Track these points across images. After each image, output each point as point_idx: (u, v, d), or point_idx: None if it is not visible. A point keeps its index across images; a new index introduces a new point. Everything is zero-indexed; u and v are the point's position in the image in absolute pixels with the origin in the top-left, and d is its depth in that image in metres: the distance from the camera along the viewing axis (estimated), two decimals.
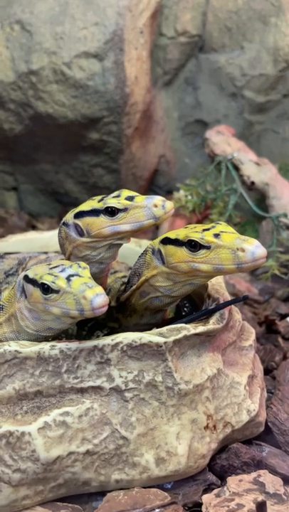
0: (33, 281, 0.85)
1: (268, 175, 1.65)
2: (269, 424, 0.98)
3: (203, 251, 0.87)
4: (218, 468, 0.91)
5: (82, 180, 1.99)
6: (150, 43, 1.87)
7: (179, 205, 1.66)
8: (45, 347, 0.84)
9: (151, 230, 2.02)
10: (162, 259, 0.94)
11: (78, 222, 0.95)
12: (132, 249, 1.39)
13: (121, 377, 0.84)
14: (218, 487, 0.88)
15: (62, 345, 0.84)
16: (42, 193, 2.09)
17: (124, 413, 0.84)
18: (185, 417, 0.86)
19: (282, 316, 1.49)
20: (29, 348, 0.84)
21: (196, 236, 0.88)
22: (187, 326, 0.89)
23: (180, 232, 0.91)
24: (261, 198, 1.72)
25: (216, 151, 1.73)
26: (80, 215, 0.95)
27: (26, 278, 0.88)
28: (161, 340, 0.85)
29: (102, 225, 0.92)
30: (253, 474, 0.87)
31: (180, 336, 0.87)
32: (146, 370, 0.85)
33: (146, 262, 0.98)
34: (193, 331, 0.88)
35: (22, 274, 0.90)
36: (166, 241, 0.93)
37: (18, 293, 0.90)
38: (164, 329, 0.88)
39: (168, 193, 2.07)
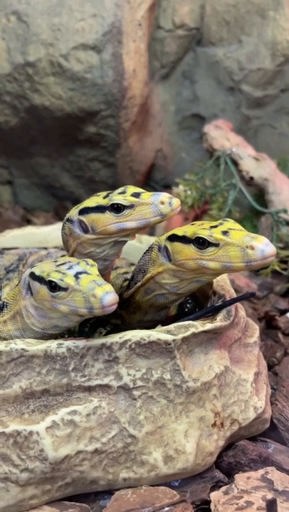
0: (39, 279, 0.84)
1: (266, 170, 1.64)
2: (274, 420, 0.98)
3: (211, 248, 0.86)
4: (225, 465, 0.91)
5: (79, 175, 1.97)
6: (148, 36, 1.85)
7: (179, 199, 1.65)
8: (52, 345, 0.83)
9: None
10: (169, 256, 0.93)
11: (83, 218, 0.94)
12: (132, 244, 1.37)
13: (129, 375, 0.83)
14: (226, 484, 0.88)
15: (69, 343, 0.83)
16: (37, 187, 2.06)
17: (132, 411, 0.83)
18: (193, 415, 0.86)
19: (282, 312, 1.49)
20: (36, 347, 0.82)
21: (204, 233, 0.87)
22: (195, 323, 0.88)
23: (187, 229, 0.90)
24: (260, 193, 1.71)
25: (215, 146, 1.72)
26: (84, 211, 0.94)
27: (32, 275, 0.86)
28: (169, 337, 0.84)
29: (108, 221, 0.91)
30: (261, 471, 0.87)
31: (188, 333, 0.87)
32: (154, 368, 0.84)
33: (151, 258, 0.97)
34: (201, 328, 0.87)
35: (28, 271, 0.88)
36: (174, 238, 0.92)
37: (24, 290, 0.88)
38: (171, 326, 0.88)
39: (165, 188, 2.06)
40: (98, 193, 0.97)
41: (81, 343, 0.83)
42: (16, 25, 1.70)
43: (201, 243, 0.87)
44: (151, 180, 2.13)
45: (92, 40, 1.67)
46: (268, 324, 1.43)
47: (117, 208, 0.90)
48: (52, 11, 1.68)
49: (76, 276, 0.81)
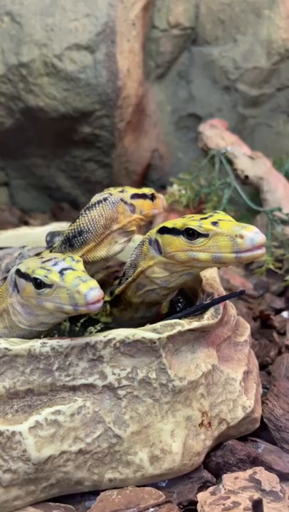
0: (25, 276, 0.83)
1: (262, 169, 1.63)
2: (265, 420, 0.97)
3: (201, 239, 0.86)
4: (213, 465, 0.90)
5: (74, 175, 1.97)
6: (142, 36, 1.85)
7: (173, 199, 1.64)
8: (35, 344, 0.82)
9: (145, 224, 2.00)
10: (159, 249, 0.92)
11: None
12: None
13: (114, 374, 0.82)
14: (214, 485, 0.87)
15: (53, 342, 0.82)
16: (34, 188, 2.06)
17: (117, 411, 0.82)
18: (179, 414, 0.85)
19: (277, 311, 1.47)
20: (19, 346, 0.81)
21: (193, 224, 0.86)
22: (181, 321, 0.87)
23: (177, 222, 0.90)
24: (255, 192, 1.70)
25: (210, 145, 1.71)
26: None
27: (18, 272, 0.85)
28: (154, 336, 0.83)
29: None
30: (249, 471, 0.85)
31: (174, 331, 0.86)
32: (139, 367, 0.83)
33: (142, 252, 0.96)
34: (187, 327, 0.86)
35: (14, 269, 0.88)
36: (164, 230, 0.91)
37: (10, 287, 0.88)
38: (157, 325, 0.87)
39: (161, 188, 2.05)
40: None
41: (65, 342, 0.82)
42: (9, 25, 1.70)
43: (191, 234, 0.86)
44: (148, 180, 2.12)
45: (86, 40, 1.67)
46: (263, 323, 1.41)
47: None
48: (45, 11, 1.68)
49: (61, 272, 0.80)
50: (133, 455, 0.82)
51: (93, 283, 0.78)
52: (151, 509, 0.79)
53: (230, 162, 1.67)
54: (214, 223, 0.86)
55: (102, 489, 0.84)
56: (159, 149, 2.08)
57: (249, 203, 1.59)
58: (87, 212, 1.00)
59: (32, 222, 2.01)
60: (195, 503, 0.83)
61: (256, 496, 0.79)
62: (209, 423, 0.87)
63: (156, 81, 2.02)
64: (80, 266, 0.82)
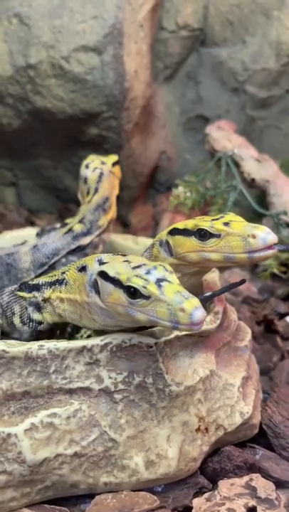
0: (114, 281, 0.78)
1: (268, 172, 1.62)
2: (263, 426, 0.97)
3: (213, 239, 0.86)
4: (210, 471, 0.90)
5: None
6: (150, 37, 1.85)
7: (177, 201, 1.64)
8: (33, 347, 0.82)
9: (151, 227, 2.00)
10: (170, 250, 0.92)
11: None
12: (128, 246, 1.38)
13: (110, 378, 0.82)
14: (210, 491, 0.86)
15: (50, 345, 0.82)
16: (41, 189, 2.07)
17: (113, 415, 0.82)
18: (176, 420, 0.85)
19: (281, 316, 1.46)
20: (17, 348, 0.82)
21: (205, 225, 0.87)
22: None
23: (188, 223, 0.90)
24: (262, 195, 1.69)
25: (217, 147, 1.70)
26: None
27: (104, 275, 0.80)
28: (151, 341, 0.83)
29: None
30: (245, 478, 0.85)
31: (171, 336, 0.85)
32: (136, 372, 0.83)
33: (152, 255, 0.96)
34: (185, 332, 0.86)
35: (96, 269, 0.82)
36: (175, 232, 0.91)
37: (88, 287, 0.83)
38: (155, 329, 0.87)
39: (169, 190, 2.04)
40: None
41: (62, 345, 0.82)
42: (17, 27, 1.71)
43: (203, 235, 0.87)
44: (156, 182, 2.12)
45: (93, 42, 1.67)
46: (267, 328, 1.40)
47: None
48: (53, 13, 1.68)
49: (158, 283, 0.75)
50: (128, 459, 0.82)
51: (196, 301, 0.73)
52: None
53: (236, 164, 1.66)
54: (226, 224, 0.86)
55: (98, 492, 0.84)
56: (166, 151, 2.07)
57: (255, 206, 1.58)
58: (100, 183, 1.26)
59: (39, 223, 2.02)
60: (190, 508, 0.83)
61: (251, 503, 0.79)
62: (206, 428, 0.87)
63: (164, 82, 2.02)
64: (175, 278, 0.77)
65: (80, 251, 1.20)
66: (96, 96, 1.72)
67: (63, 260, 1.18)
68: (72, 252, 1.19)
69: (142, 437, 0.83)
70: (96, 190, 1.25)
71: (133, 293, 0.75)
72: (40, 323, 0.94)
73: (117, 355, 0.83)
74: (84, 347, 0.82)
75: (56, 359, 0.82)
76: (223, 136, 1.73)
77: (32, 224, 2.01)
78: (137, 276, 0.76)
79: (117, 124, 1.79)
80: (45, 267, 1.17)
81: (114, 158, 1.36)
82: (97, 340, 0.82)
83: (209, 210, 1.62)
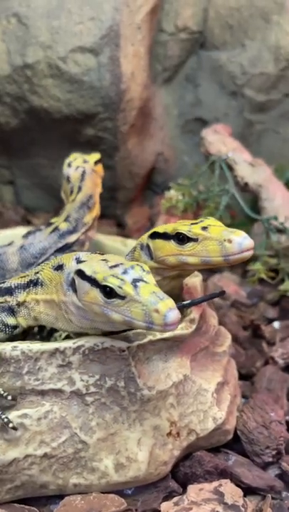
0: (91, 280, 0.77)
1: (261, 176, 1.62)
2: (238, 432, 0.97)
3: (190, 243, 0.88)
4: (181, 475, 0.90)
5: None
6: (149, 39, 1.85)
7: (170, 204, 1.64)
8: (6, 348, 0.83)
9: (146, 228, 2.00)
10: (150, 254, 0.93)
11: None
12: (117, 248, 1.39)
13: (82, 380, 0.83)
14: (180, 495, 0.87)
15: (23, 346, 0.83)
16: (38, 188, 2.08)
17: (84, 417, 0.83)
18: (147, 423, 0.85)
19: (270, 321, 1.46)
20: None
21: (183, 229, 0.88)
22: None
23: (168, 227, 0.92)
24: (255, 199, 1.69)
25: (211, 151, 1.70)
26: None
27: (81, 274, 0.79)
28: (124, 344, 0.84)
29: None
30: (215, 483, 0.85)
31: (145, 340, 0.86)
32: (108, 375, 0.84)
33: (134, 258, 0.97)
34: (159, 336, 0.87)
35: (73, 267, 0.82)
36: (155, 235, 0.93)
37: (66, 285, 0.82)
38: (130, 333, 0.87)
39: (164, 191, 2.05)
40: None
41: (35, 346, 0.83)
42: (16, 27, 1.72)
43: (181, 239, 0.88)
44: (152, 183, 2.12)
45: (90, 43, 1.68)
46: (254, 333, 1.40)
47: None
48: (51, 13, 1.69)
49: (134, 284, 0.75)
50: (98, 461, 0.83)
51: (171, 302, 0.73)
52: None
53: (230, 168, 1.66)
54: (204, 228, 0.88)
55: (67, 494, 0.85)
56: (164, 153, 2.07)
57: (247, 210, 1.58)
58: (83, 182, 1.28)
59: (35, 222, 2.03)
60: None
61: (218, 508, 0.79)
62: (178, 433, 0.88)
63: (163, 84, 2.02)
64: (151, 278, 0.77)
65: (67, 249, 1.21)
66: (92, 97, 1.73)
67: (51, 258, 1.19)
68: (60, 250, 1.20)
69: (113, 440, 0.83)
70: (79, 188, 1.27)
71: (109, 292, 0.75)
72: (15, 327, 0.91)
73: (90, 358, 0.83)
74: (57, 349, 0.83)
75: (29, 360, 0.83)
76: (219, 140, 1.73)
77: (28, 222, 2.02)
78: (113, 275, 0.76)
79: (113, 126, 1.79)
80: (33, 267, 1.18)
81: (96, 156, 1.39)
82: (69, 343, 0.83)
83: (201, 214, 1.62)
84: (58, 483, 0.83)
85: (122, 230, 2.00)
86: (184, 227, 0.89)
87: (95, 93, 1.72)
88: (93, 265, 0.79)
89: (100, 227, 1.94)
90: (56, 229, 1.21)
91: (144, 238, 0.96)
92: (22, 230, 1.51)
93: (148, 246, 0.94)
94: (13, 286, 0.92)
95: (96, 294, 0.77)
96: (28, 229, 1.51)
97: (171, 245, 0.89)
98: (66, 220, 1.23)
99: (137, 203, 2.11)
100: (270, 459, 0.93)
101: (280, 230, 1.48)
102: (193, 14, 1.90)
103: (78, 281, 0.80)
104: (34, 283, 0.90)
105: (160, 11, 1.88)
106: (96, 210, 1.28)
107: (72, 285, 0.81)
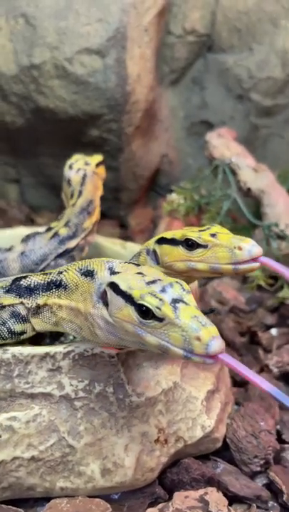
0: (125, 296, 0.71)
1: (264, 182, 1.62)
2: (227, 440, 0.97)
3: (200, 250, 0.88)
4: (168, 482, 0.91)
5: None
6: (156, 41, 1.85)
7: (171, 208, 1.65)
8: None
9: (149, 230, 2.01)
10: (157, 259, 0.94)
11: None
12: (116, 251, 1.39)
13: (71, 385, 0.84)
14: (166, 501, 0.87)
15: (14, 349, 0.84)
16: (43, 187, 2.09)
17: (72, 421, 0.84)
18: (135, 430, 0.86)
19: (268, 327, 1.46)
20: None
21: (193, 235, 0.89)
22: None
23: (176, 232, 0.92)
24: (258, 204, 1.68)
25: (215, 155, 1.70)
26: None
27: (115, 288, 0.73)
28: (113, 351, 0.84)
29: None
30: (200, 491, 0.86)
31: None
32: (97, 380, 0.84)
33: (139, 263, 0.98)
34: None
35: (105, 278, 0.76)
36: (162, 241, 0.93)
37: (95, 297, 0.76)
38: None
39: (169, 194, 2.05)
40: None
41: (26, 350, 0.84)
42: (23, 27, 1.73)
43: (190, 245, 0.89)
44: (156, 185, 2.12)
45: (97, 45, 1.68)
46: (251, 339, 1.40)
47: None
48: (59, 14, 1.70)
49: (173, 305, 0.69)
50: (85, 466, 0.84)
51: (215, 330, 0.67)
52: None
53: (233, 173, 1.66)
54: (212, 235, 0.89)
55: (54, 496, 0.86)
56: (169, 155, 2.08)
57: (248, 215, 1.57)
58: (83, 186, 1.28)
59: (39, 221, 2.04)
60: None
61: None
62: (166, 440, 0.88)
63: (169, 86, 2.02)
64: (192, 299, 0.71)
65: (67, 254, 1.22)
66: (98, 98, 1.74)
67: (52, 264, 1.20)
68: (60, 255, 1.21)
69: (100, 445, 0.84)
70: (80, 193, 1.27)
71: (145, 312, 0.69)
72: (22, 333, 0.86)
73: (79, 364, 0.84)
74: (47, 353, 0.84)
75: (20, 364, 0.84)
76: (223, 144, 1.73)
77: (32, 221, 2.04)
78: (151, 294, 0.70)
79: (117, 127, 1.80)
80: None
81: (98, 158, 1.39)
82: (60, 348, 0.84)
83: (203, 218, 1.62)
84: (45, 485, 0.84)
85: (125, 230, 2.00)
86: (193, 233, 0.89)
87: (101, 94, 1.73)
88: (128, 279, 0.73)
89: (103, 227, 1.95)
90: (56, 234, 1.21)
91: (151, 243, 0.96)
92: (22, 230, 1.52)
93: (154, 251, 0.94)
94: (32, 285, 0.85)
95: (130, 312, 0.70)
96: (28, 230, 1.53)
97: (180, 251, 0.90)
98: (66, 225, 1.22)
99: (141, 205, 2.11)
100: (258, 469, 0.93)
101: (281, 237, 1.48)
102: (201, 17, 1.90)
103: (111, 295, 0.74)
104: (56, 285, 0.83)
105: (168, 14, 1.88)
106: (96, 215, 1.27)
107: (103, 298, 0.75)
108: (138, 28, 1.72)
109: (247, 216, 1.57)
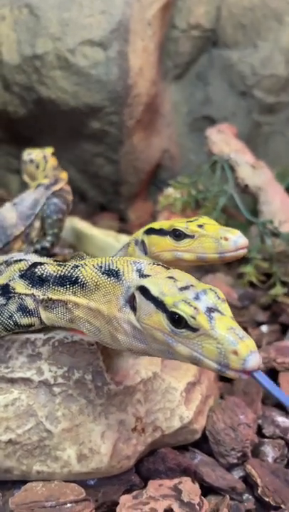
0: (157, 302, 0.67)
1: (261, 179, 1.62)
2: (206, 432, 0.98)
3: (187, 240, 0.90)
4: (144, 470, 0.92)
5: (84, 169, 2.00)
6: (160, 35, 1.85)
7: (167, 202, 1.65)
8: None
9: (148, 223, 2.01)
10: (145, 249, 0.95)
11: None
12: (110, 244, 1.40)
13: (51, 371, 0.85)
14: (141, 489, 0.88)
15: None
16: None
17: (50, 407, 0.85)
18: (113, 417, 0.87)
19: (259, 324, 1.46)
20: None
21: (180, 225, 0.90)
22: None
23: (164, 223, 0.94)
24: (255, 201, 1.69)
25: (214, 151, 1.70)
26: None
27: (145, 292, 0.69)
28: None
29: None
30: (175, 480, 0.87)
31: None
32: (76, 367, 0.86)
33: (128, 253, 0.99)
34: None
35: (134, 281, 0.71)
36: (151, 231, 0.95)
37: (122, 300, 0.72)
38: None
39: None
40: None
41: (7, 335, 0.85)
42: (27, 17, 1.73)
43: (178, 235, 0.90)
44: (157, 179, 2.13)
45: (99, 37, 1.69)
46: None
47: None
48: (62, 5, 1.70)
49: (208, 314, 0.65)
50: (61, 451, 0.85)
51: (252, 344, 0.63)
52: (69, 504, 0.81)
53: (232, 169, 1.66)
54: (200, 226, 0.90)
55: (31, 480, 0.87)
56: (170, 150, 2.08)
57: (244, 212, 1.57)
58: (46, 159, 1.43)
59: None
60: (117, 504, 0.85)
61: (173, 505, 0.81)
62: (143, 429, 0.89)
63: (173, 81, 2.02)
64: (227, 308, 0.67)
65: (58, 193, 1.32)
66: (99, 91, 1.74)
67: (45, 207, 1.29)
68: (50, 197, 1.31)
69: (77, 431, 0.85)
70: (46, 160, 1.43)
71: (177, 321, 0.65)
72: (29, 326, 0.83)
73: (59, 350, 0.85)
74: (27, 339, 0.85)
75: (1, 348, 0.85)
76: (222, 140, 1.73)
77: None
78: (184, 301, 0.66)
79: (118, 120, 1.80)
80: (32, 217, 1.26)
81: (50, 149, 1.51)
82: (40, 335, 0.85)
83: (198, 213, 1.62)
84: (21, 469, 0.85)
85: (125, 224, 2.01)
86: (180, 224, 0.91)
87: (102, 87, 1.73)
88: (160, 284, 0.69)
89: (102, 220, 1.96)
90: (39, 185, 1.32)
91: (139, 234, 0.97)
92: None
93: (143, 241, 0.95)
94: (45, 275, 0.82)
95: (161, 319, 0.67)
96: None
97: (167, 241, 0.91)
98: (45, 177, 1.35)
99: (141, 198, 2.12)
100: (235, 461, 0.94)
101: (275, 234, 1.48)
102: (206, 12, 1.90)
103: (140, 299, 0.69)
104: (72, 281, 0.78)
105: (173, 8, 1.88)
106: (65, 174, 1.40)
107: (131, 301, 0.71)
108: (141, 21, 1.72)
109: (242, 212, 1.57)
